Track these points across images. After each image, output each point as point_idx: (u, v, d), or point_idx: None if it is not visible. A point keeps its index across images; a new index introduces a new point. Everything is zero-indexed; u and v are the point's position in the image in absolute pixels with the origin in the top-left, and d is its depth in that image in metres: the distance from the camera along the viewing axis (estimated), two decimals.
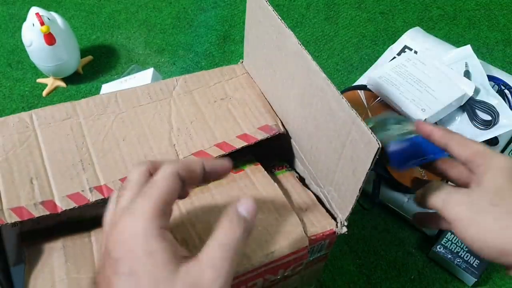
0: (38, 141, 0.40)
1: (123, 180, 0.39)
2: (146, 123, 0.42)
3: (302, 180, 0.45)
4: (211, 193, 0.40)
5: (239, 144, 0.42)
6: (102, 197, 0.37)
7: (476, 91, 0.59)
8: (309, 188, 0.43)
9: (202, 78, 0.46)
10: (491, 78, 0.64)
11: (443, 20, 0.81)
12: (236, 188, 0.41)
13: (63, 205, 0.36)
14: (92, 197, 0.37)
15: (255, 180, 0.42)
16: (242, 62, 0.50)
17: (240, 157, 0.43)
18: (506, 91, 0.63)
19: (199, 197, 0.40)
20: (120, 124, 0.42)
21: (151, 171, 0.29)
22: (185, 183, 0.30)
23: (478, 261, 0.54)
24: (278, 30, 0.39)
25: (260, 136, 0.42)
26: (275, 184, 0.42)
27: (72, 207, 0.36)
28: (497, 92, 0.62)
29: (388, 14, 0.82)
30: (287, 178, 0.44)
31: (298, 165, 0.46)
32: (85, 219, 0.39)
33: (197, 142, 0.41)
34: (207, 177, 0.31)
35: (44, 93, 0.72)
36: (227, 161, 0.33)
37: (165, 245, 0.26)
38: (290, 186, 0.43)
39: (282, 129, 0.44)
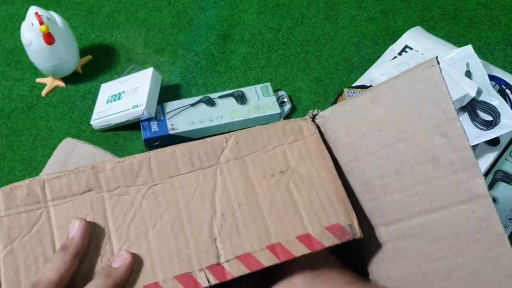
0: (50, 224, 0.33)
1: None
2: (183, 202, 0.34)
3: None
4: None
5: (299, 250, 0.33)
6: None
7: (478, 91, 0.59)
8: None
9: (258, 138, 0.37)
10: (492, 78, 0.63)
11: (444, 19, 0.81)
12: None
13: None
14: None
15: None
16: (314, 114, 0.39)
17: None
18: (507, 91, 0.63)
19: None
20: (151, 202, 0.34)
21: None
22: None
23: None
24: (443, 111, 0.30)
25: (328, 241, 0.33)
26: None
27: None
28: (498, 92, 0.61)
29: (389, 13, 0.82)
30: None
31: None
32: None
33: (245, 238, 0.33)
34: None
35: (43, 93, 0.72)
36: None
37: None
38: None
39: (358, 234, 0.34)
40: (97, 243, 0.33)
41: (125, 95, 0.67)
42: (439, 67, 0.30)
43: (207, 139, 0.36)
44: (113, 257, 0.33)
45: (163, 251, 0.33)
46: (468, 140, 0.29)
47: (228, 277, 0.32)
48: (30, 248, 0.32)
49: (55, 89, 0.73)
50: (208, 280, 0.32)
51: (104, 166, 0.34)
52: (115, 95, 0.68)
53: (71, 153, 0.42)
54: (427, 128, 0.31)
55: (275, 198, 0.34)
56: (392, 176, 0.34)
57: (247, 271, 0.32)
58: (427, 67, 0.31)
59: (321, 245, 0.33)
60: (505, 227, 0.56)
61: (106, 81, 0.73)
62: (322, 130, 0.39)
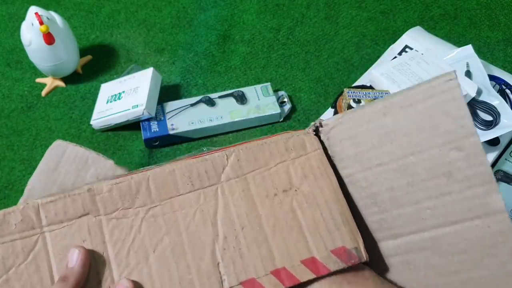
0: (47, 250, 0.32)
1: None
2: (184, 224, 0.33)
3: None
4: None
5: (304, 275, 0.32)
6: None
7: (478, 91, 0.59)
8: None
9: (260, 155, 0.35)
10: (492, 78, 0.63)
11: (444, 19, 0.81)
12: None
13: None
14: None
15: None
16: (316, 126, 0.38)
17: None
18: (507, 91, 0.63)
19: None
20: (151, 225, 0.33)
21: None
22: None
23: None
24: (461, 125, 0.30)
25: (334, 265, 0.32)
26: None
27: None
28: (498, 92, 0.61)
29: (389, 13, 0.82)
30: None
31: None
32: None
33: (248, 263, 0.32)
34: None
35: (43, 93, 0.72)
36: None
37: None
38: None
39: (364, 257, 0.33)
40: (96, 270, 0.31)
41: (125, 95, 0.67)
42: (457, 81, 0.30)
43: (207, 156, 0.35)
44: (114, 284, 0.31)
45: (165, 277, 0.31)
46: (486, 155, 0.29)
47: None
48: (27, 277, 0.31)
49: (55, 89, 0.73)
50: None
51: (100, 189, 0.33)
52: (115, 95, 0.68)
53: (61, 157, 0.41)
54: (442, 142, 0.31)
55: (279, 219, 0.33)
56: (403, 189, 0.33)
57: None
58: (445, 80, 0.30)
59: (327, 269, 0.32)
60: None
61: (106, 81, 0.73)
62: (325, 138, 0.38)
